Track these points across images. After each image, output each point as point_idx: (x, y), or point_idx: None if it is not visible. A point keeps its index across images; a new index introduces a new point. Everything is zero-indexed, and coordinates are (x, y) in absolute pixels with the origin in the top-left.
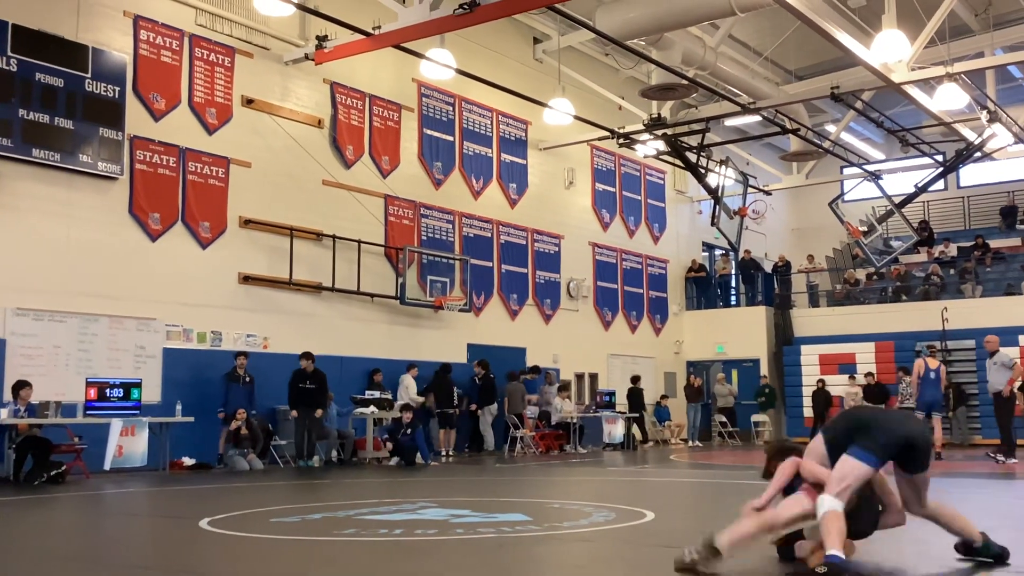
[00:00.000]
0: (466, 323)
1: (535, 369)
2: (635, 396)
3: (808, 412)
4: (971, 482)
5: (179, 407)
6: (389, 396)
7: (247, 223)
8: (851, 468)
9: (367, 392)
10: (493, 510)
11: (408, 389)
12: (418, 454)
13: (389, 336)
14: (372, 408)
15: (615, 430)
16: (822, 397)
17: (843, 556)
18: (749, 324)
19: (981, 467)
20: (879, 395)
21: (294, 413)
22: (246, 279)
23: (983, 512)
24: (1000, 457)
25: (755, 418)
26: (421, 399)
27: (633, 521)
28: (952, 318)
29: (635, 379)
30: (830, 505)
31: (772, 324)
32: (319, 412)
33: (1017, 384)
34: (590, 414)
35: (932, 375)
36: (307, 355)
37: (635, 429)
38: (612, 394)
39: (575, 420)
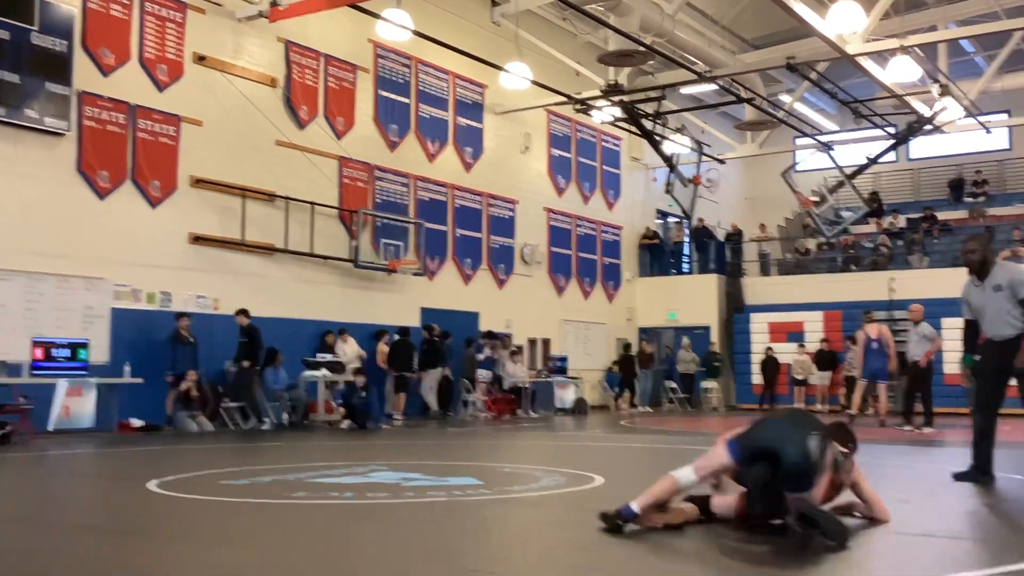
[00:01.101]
0: (420, 287)
1: (490, 334)
2: (627, 363)
3: (757, 379)
4: (896, 449)
5: (128, 368)
6: (341, 359)
7: (198, 183)
8: (715, 452)
9: (319, 355)
10: (444, 473)
11: (346, 352)
12: (371, 418)
13: (342, 299)
14: (323, 371)
15: (567, 395)
16: (770, 365)
17: (637, 511)
18: (701, 292)
19: (910, 436)
20: (828, 362)
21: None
22: (197, 239)
23: (898, 479)
24: (926, 430)
25: (704, 384)
26: (363, 353)
27: (583, 486)
28: (899, 289)
29: (627, 347)
30: (676, 472)
31: (723, 292)
32: (245, 363)
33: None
34: (542, 379)
35: (874, 344)
36: (240, 311)
37: (626, 395)
38: (564, 359)
39: (527, 385)
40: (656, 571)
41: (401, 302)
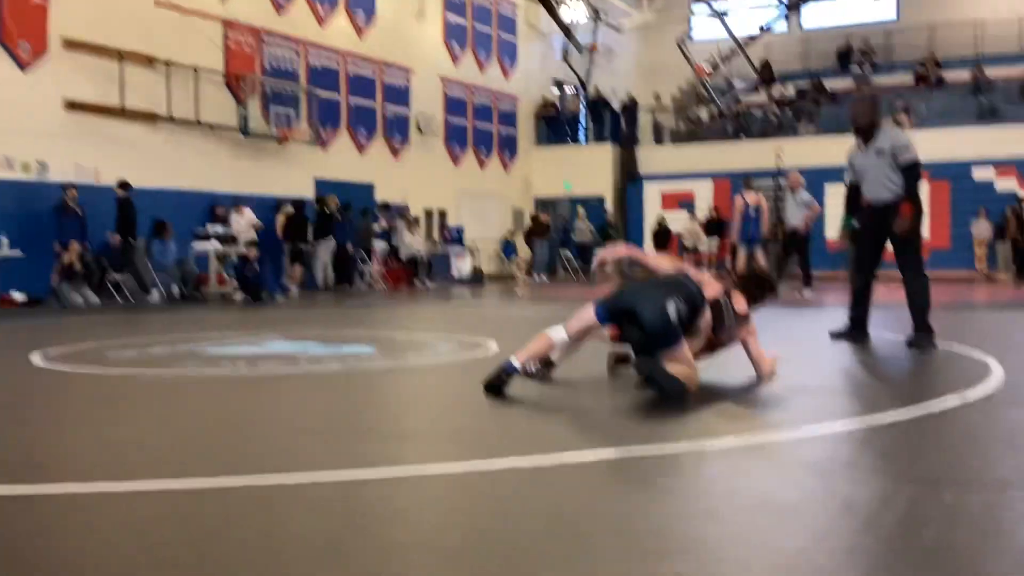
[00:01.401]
0: (313, 157)
1: (385, 206)
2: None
3: (650, 248)
4: (775, 312)
5: (5, 240)
6: (236, 232)
7: (71, 45)
8: (584, 312)
9: (208, 226)
10: (340, 343)
11: (241, 225)
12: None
13: (232, 170)
14: (214, 243)
15: (463, 265)
16: (663, 233)
17: (518, 367)
18: (596, 162)
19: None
20: (717, 229)
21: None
22: (72, 106)
23: (776, 339)
24: (805, 292)
25: (599, 254)
26: (259, 224)
27: (477, 352)
28: (787, 157)
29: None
30: (549, 330)
31: (618, 162)
32: (116, 237)
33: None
34: (439, 250)
35: (752, 212)
36: (120, 183)
37: (521, 263)
38: (461, 230)
39: (423, 256)
40: (540, 433)
41: (294, 173)
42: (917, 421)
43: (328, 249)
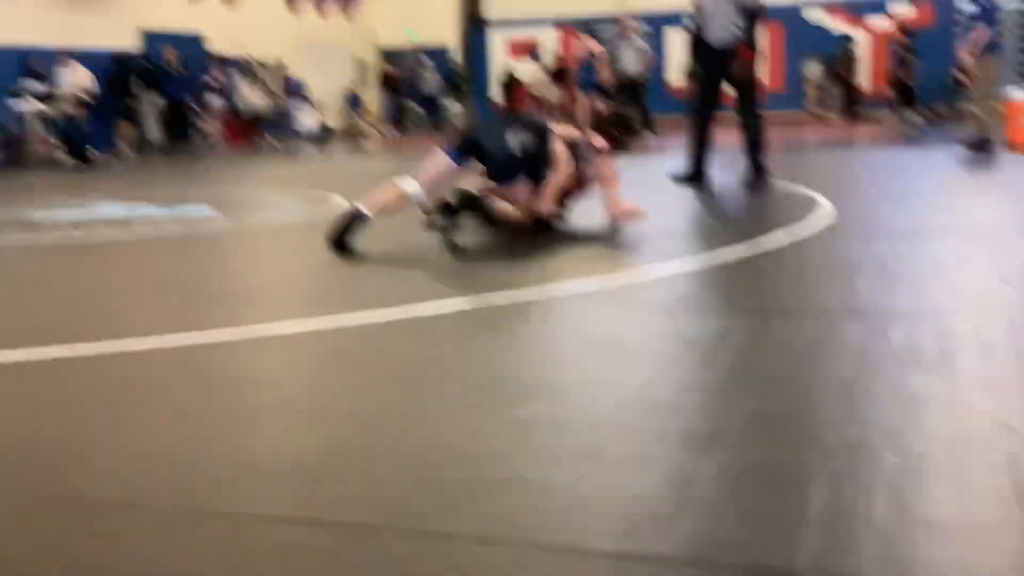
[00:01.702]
0: (138, 6)
1: (220, 59)
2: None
3: (498, 98)
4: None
5: None
6: (61, 89)
7: None
8: (434, 159)
9: (24, 82)
10: (178, 205)
11: (70, 82)
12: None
13: (45, 21)
14: (32, 101)
15: (307, 120)
16: (511, 83)
17: (366, 213)
18: (440, 9)
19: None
20: (562, 77)
21: None
22: None
23: (623, 184)
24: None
25: (447, 105)
26: (90, 83)
27: (325, 209)
28: (631, 1)
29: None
30: (399, 181)
31: (464, 8)
32: None
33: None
34: (281, 105)
35: (592, 59)
36: None
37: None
38: (303, 83)
39: (265, 111)
40: (391, 287)
41: (115, 23)
42: (752, 258)
43: (156, 105)
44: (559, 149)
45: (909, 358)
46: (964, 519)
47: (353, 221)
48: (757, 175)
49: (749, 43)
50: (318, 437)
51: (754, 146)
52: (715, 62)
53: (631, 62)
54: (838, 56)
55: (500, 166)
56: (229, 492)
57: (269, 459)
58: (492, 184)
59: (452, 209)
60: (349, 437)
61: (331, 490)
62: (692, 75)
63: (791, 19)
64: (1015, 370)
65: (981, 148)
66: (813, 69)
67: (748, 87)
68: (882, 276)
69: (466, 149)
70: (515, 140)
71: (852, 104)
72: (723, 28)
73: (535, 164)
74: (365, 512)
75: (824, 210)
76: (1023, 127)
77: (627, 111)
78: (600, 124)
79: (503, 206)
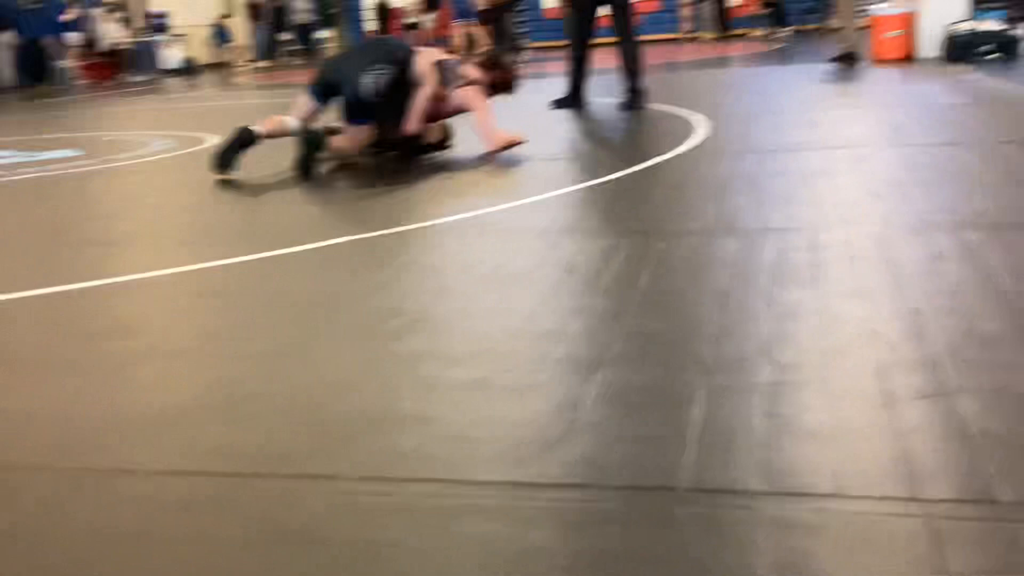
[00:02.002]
0: None
1: None
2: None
3: (372, 26)
4: None
5: None
6: None
7: None
8: (300, 100)
9: None
10: (40, 148)
11: None
12: None
13: None
14: None
15: (172, 54)
16: (383, 10)
17: (255, 131)
18: None
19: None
20: (434, 3)
21: None
22: None
23: (500, 111)
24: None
25: (320, 34)
26: None
27: (193, 147)
28: None
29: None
30: (283, 117)
31: None
32: None
33: None
34: (143, 38)
35: None
36: None
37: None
38: (166, 15)
39: (127, 46)
40: (267, 227)
41: None
42: (631, 178)
43: (10, 44)
44: (423, 68)
45: (782, 272)
46: (835, 425)
47: (243, 140)
48: (634, 96)
49: None
50: (197, 383)
51: (631, 69)
52: None
53: None
54: None
55: (351, 108)
56: (106, 447)
57: (147, 409)
58: (344, 122)
59: (302, 145)
60: (229, 381)
61: (212, 438)
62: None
63: None
64: (882, 280)
65: (847, 62)
66: None
67: (623, 9)
68: (755, 192)
69: (324, 90)
70: (369, 81)
71: (724, 23)
72: None
73: (395, 100)
74: (248, 459)
75: (698, 130)
76: (886, 40)
77: (503, 52)
78: (483, 66)
79: (339, 142)
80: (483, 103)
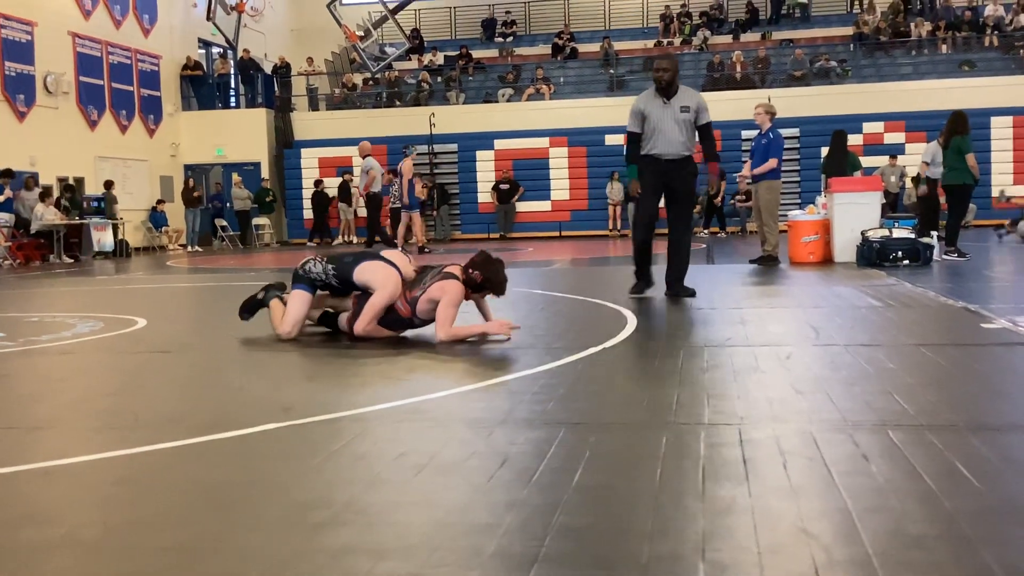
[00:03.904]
0: None
1: (7, 173)
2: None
3: (308, 215)
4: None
5: None
6: None
7: None
8: (295, 296)
9: None
10: None
11: None
12: None
13: None
14: None
15: (106, 237)
16: (321, 199)
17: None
18: (249, 126)
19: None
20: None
21: None
22: None
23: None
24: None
25: (256, 221)
26: None
27: (122, 329)
28: (438, 123)
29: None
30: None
31: (272, 127)
32: None
33: (375, 188)
34: (76, 221)
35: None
36: None
37: (172, 233)
38: (101, 200)
39: (58, 229)
40: (195, 411)
41: None
42: (568, 368)
43: None
44: (379, 276)
45: (714, 467)
46: None
47: (256, 303)
48: (683, 286)
49: (718, 159)
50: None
51: (685, 260)
52: (660, 172)
53: (361, 182)
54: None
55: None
56: None
57: None
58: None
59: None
60: (144, 575)
61: None
62: (632, 178)
63: (593, 143)
64: (812, 477)
65: (768, 263)
66: (614, 190)
67: (688, 201)
68: (687, 386)
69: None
70: (317, 266)
71: None
72: (676, 141)
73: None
74: None
75: (631, 322)
76: (804, 244)
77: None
78: (471, 265)
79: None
80: (454, 295)
